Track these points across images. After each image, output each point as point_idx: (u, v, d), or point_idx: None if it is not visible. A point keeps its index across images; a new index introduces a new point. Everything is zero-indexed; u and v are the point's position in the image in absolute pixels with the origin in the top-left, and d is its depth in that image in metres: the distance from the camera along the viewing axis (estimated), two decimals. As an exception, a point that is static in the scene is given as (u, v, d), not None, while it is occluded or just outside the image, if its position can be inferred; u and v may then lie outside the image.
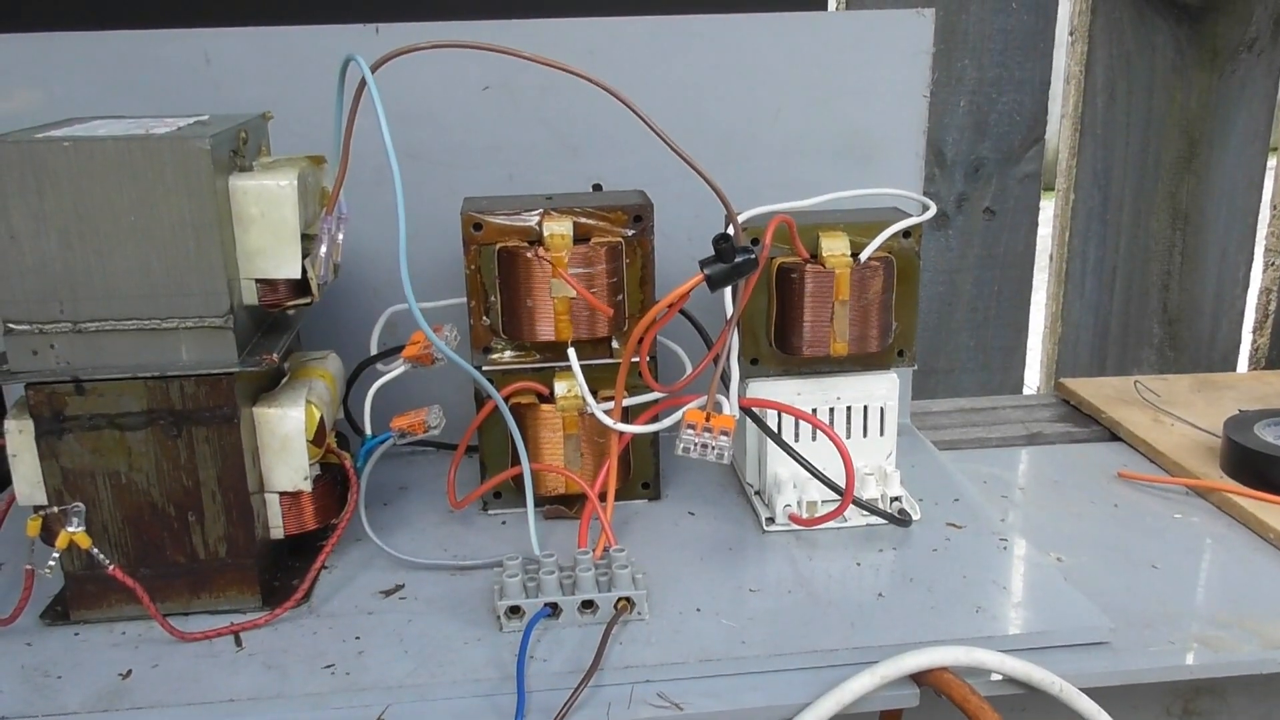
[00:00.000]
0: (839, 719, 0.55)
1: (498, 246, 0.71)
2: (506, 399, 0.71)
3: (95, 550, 0.61)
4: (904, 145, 0.87)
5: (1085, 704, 0.57)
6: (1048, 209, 1.20)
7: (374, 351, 0.78)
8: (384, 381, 0.70)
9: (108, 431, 0.61)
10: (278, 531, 0.67)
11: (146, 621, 0.62)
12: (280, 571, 0.68)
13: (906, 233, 0.72)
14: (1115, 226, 1.21)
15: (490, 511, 0.77)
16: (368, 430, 0.71)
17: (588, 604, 0.62)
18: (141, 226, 0.58)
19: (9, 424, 0.61)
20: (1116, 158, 1.18)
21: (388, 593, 0.66)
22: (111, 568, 0.61)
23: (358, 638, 0.61)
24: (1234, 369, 1.27)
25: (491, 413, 0.72)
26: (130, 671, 0.59)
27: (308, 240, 0.64)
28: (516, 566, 0.63)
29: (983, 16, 1.11)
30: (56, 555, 0.61)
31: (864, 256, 0.71)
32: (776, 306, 0.72)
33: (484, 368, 0.72)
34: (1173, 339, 1.25)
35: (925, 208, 0.73)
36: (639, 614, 0.62)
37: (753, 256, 0.63)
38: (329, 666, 0.59)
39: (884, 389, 0.74)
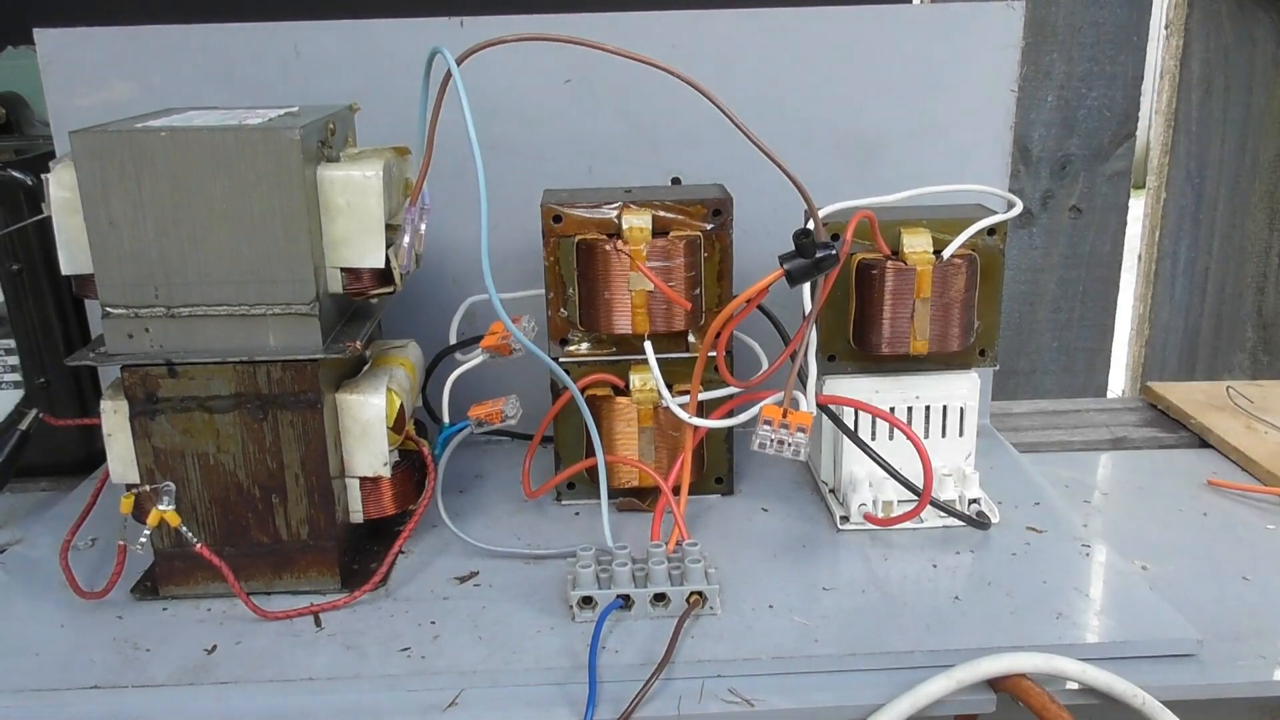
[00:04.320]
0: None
1: (577, 239, 0.71)
2: (582, 391, 0.71)
3: (184, 528, 0.63)
4: (989, 141, 0.86)
5: (1168, 718, 0.55)
6: (1136, 208, 1.16)
7: (453, 341, 0.79)
8: (462, 371, 0.71)
9: (198, 413, 0.62)
10: (357, 516, 0.68)
11: (231, 599, 0.64)
12: (359, 555, 0.69)
13: (991, 230, 0.71)
14: (1208, 226, 1.17)
15: (564, 502, 0.78)
16: (446, 418, 0.72)
17: (660, 597, 0.62)
18: (233, 214, 0.60)
19: (105, 404, 0.63)
20: (1211, 155, 1.15)
21: (463, 579, 0.67)
22: (199, 545, 0.62)
23: (433, 622, 0.62)
24: (1332, 376, 1.23)
25: (567, 404, 0.72)
26: (215, 647, 0.60)
27: (391, 230, 0.65)
28: (590, 557, 0.63)
29: (1074, 9, 1.09)
30: (147, 532, 0.63)
31: (947, 254, 0.69)
32: (856, 303, 0.71)
33: (561, 359, 0.73)
34: (1267, 343, 1.20)
35: (1010, 205, 0.72)
36: (711, 609, 0.62)
37: (833, 252, 0.62)
38: (405, 649, 0.60)
39: (964, 389, 0.73)
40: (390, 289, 0.65)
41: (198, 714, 0.56)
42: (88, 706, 0.57)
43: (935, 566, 0.67)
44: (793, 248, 0.62)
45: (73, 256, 0.61)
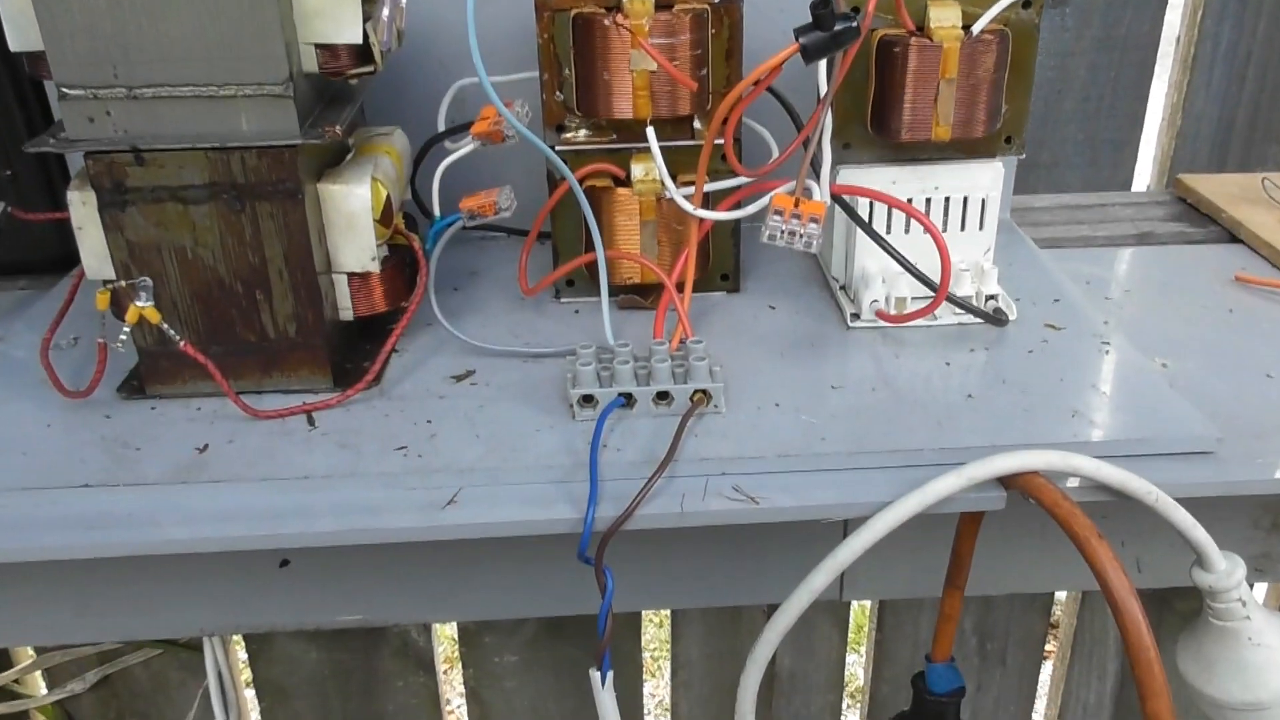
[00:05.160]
0: (919, 520, 0.54)
1: (573, 13, 0.66)
2: (581, 181, 0.68)
3: (165, 325, 0.61)
4: (1028, -97, 0.78)
5: (1180, 516, 0.55)
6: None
7: (441, 128, 0.76)
8: (453, 160, 0.68)
9: (170, 204, 0.59)
10: (347, 313, 0.66)
11: (220, 399, 0.63)
12: (351, 354, 0.68)
13: (1026, 2, 0.66)
14: (1255, 6, 1.10)
15: (563, 299, 0.76)
16: (436, 211, 0.69)
17: (663, 395, 0.61)
18: (192, -18, 0.55)
19: (72, 195, 0.60)
20: (1267, -75, 1.06)
21: (459, 378, 0.66)
22: (183, 343, 0.61)
23: (429, 421, 0.62)
24: (1371, 170, 1.18)
25: (565, 196, 0.69)
26: (207, 446, 0.60)
27: (370, 4, 0.61)
28: (590, 355, 0.62)
29: None
30: (127, 329, 0.61)
31: (977, 29, 0.65)
32: (875, 85, 0.67)
33: (557, 147, 0.69)
34: (1306, 135, 1.15)
35: (1050, -27, 0.66)
36: (715, 407, 0.61)
37: (853, 25, 0.58)
38: (401, 448, 0.59)
39: (987, 179, 0.70)
40: (370, 68, 0.62)
41: (192, 512, 0.56)
42: (81, 504, 0.56)
43: (948, 364, 0.66)
44: (810, 19, 0.58)
45: (20, 30, 0.57)
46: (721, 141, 0.65)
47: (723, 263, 0.75)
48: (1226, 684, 0.57)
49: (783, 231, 0.62)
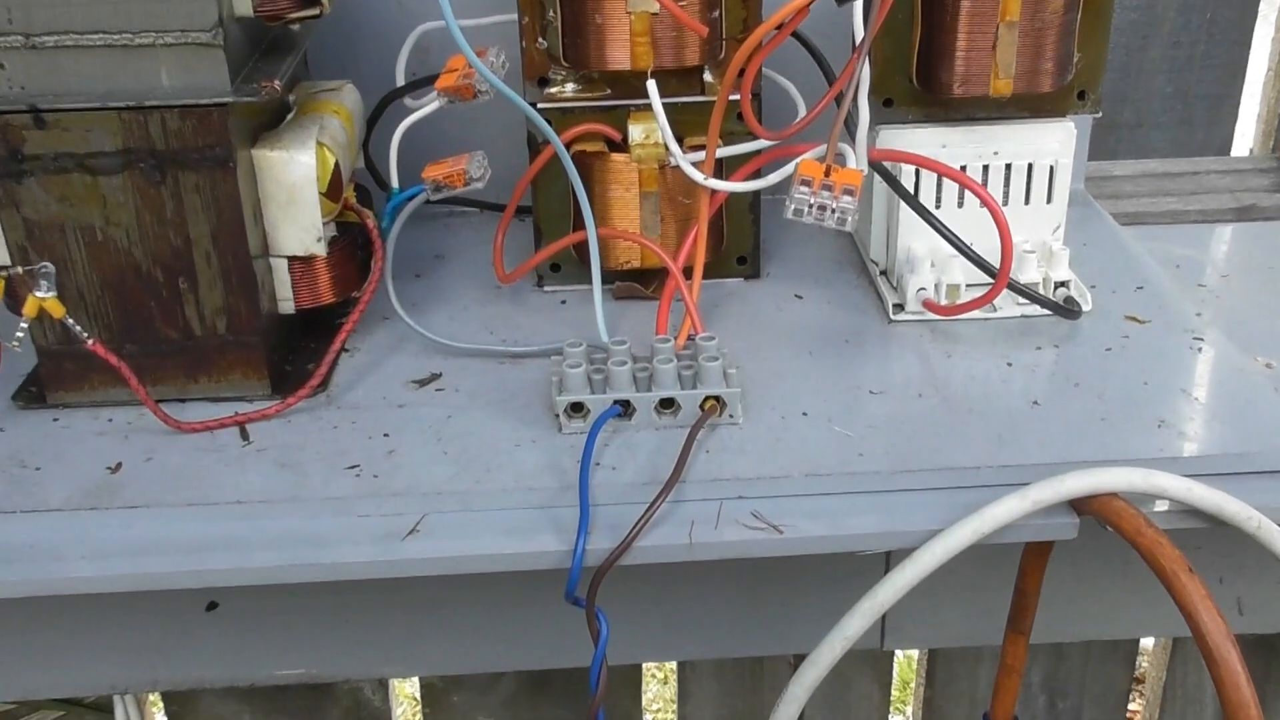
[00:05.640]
0: (976, 552, 0.55)
1: (558, -56, 0.68)
2: (568, 145, 0.69)
3: (70, 320, 0.62)
4: None
5: (1288, 545, 0.56)
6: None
7: (401, 82, 0.77)
8: (414, 120, 0.69)
9: (77, 175, 0.60)
10: (288, 305, 0.67)
11: (136, 408, 0.64)
12: (293, 354, 0.69)
13: (1103, -70, 0.67)
14: (1381, -68, 1.11)
15: (546, 288, 0.77)
16: (395, 182, 0.70)
17: (667, 403, 0.62)
18: (102, -92, 0.56)
19: (-43, 165, 0.61)
20: None
21: (422, 382, 0.67)
22: (91, 342, 0.62)
23: (386, 435, 0.62)
24: None
25: (549, 163, 0.71)
26: (120, 465, 0.61)
27: (314, -68, 0.62)
28: (580, 355, 0.62)
29: None
30: (24, 325, 0.62)
31: (1043, -38, 0.66)
32: (922, 30, 0.68)
33: (540, 104, 0.70)
34: None
35: (1131, -104, 0.68)
36: (731, 417, 0.62)
37: (895, -42, 0.59)
38: (353, 467, 0.60)
39: (1057, 142, 0.71)
40: (315, 11, 0.63)
41: (102, 542, 0.56)
42: (-32, 535, 0.57)
43: (1010, 365, 0.67)
44: (842, -48, 0.59)
45: (-105, -32, 0.58)
46: (737, 97, 0.66)
47: (739, 243, 0.76)
48: (1344, 748, 0.58)
49: (811, 205, 0.62)
